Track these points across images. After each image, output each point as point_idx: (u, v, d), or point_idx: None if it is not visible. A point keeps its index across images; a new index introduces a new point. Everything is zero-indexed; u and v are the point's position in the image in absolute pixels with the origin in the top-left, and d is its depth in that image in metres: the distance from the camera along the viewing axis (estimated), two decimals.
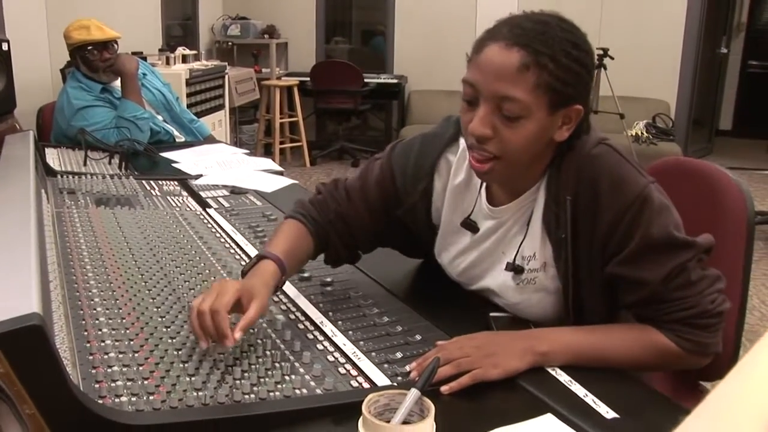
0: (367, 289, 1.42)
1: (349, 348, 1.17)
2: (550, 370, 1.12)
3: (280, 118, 6.46)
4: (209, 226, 1.82)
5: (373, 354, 1.15)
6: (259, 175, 2.44)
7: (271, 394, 1.02)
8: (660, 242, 1.13)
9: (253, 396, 1.01)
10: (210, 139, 3.28)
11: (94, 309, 1.25)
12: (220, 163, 2.60)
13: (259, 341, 1.16)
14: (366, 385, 1.06)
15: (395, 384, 1.06)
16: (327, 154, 6.88)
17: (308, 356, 1.12)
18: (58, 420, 0.85)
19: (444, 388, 1.04)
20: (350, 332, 1.23)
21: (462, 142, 1.30)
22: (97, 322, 1.20)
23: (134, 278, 1.40)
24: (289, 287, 1.39)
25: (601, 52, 5.58)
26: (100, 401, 0.95)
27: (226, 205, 2.04)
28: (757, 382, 0.35)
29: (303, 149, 6.63)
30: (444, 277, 1.44)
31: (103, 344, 1.12)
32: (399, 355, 1.15)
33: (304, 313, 1.30)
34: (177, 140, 3.09)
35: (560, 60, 1.09)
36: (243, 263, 1.54)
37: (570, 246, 1.19)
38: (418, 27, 7.00)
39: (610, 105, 5.63)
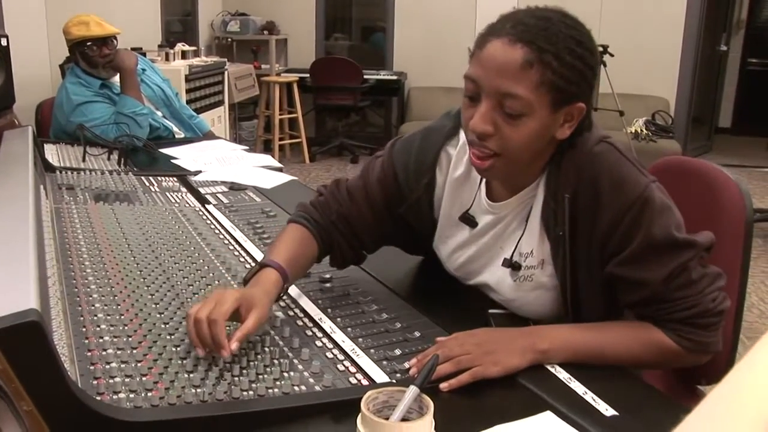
0: (366, 286, 1.42)
1: (347, 345, 1.17)
2: (549, 367, 1.12)
3: (280, 115, 6.45)
4: (208, 222, 1.81)
5: (372, 351, 1.15)
6: (259, 171, 2.44)
7: (270, 390, 1.02)
8: (661, 243, 1.12)
9: (251, 393, 1.01)
10: (209, 136, 3.28)
11: (93, 305, 1.25)
12: (220, 160, 2.60)
13: (258, 338, 1.16)
14: (365, 382, 1.06)
15: (394, 381, 1.06)
16: (326, 150, 6.88)
17: (307, 353, 1.12)
18: (55, 417, 0.85)
19: (443, 386, 1.04)
20: (349, 329, 1.22)
21: (462, 135, 1.30)
22: (95, 318, 1.20)
23: (133, 274, 1.40)
24: None
25: (601, 49, 5.56)
26: (98, 398, 0.95)
27: (225, 201, 2.04)
28: (756, 383, 0.34)
29: (302, 145, 6.62)
30: (443, 274, 1.44)
31: (101, 340, 1.12)
32: (398, 352, 1.15)
33: (302, 310, 1.29)
34: (176, 136, 3.09)
35: (564, 57, 1.08)
36: (242, 260, 1.54)
37: (568, 244, 1.18)
38: (418, 24, 7.00)
39: (610, 102, 5.63)
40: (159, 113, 3.09)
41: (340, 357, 1.13)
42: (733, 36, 7.98)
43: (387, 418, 0.86)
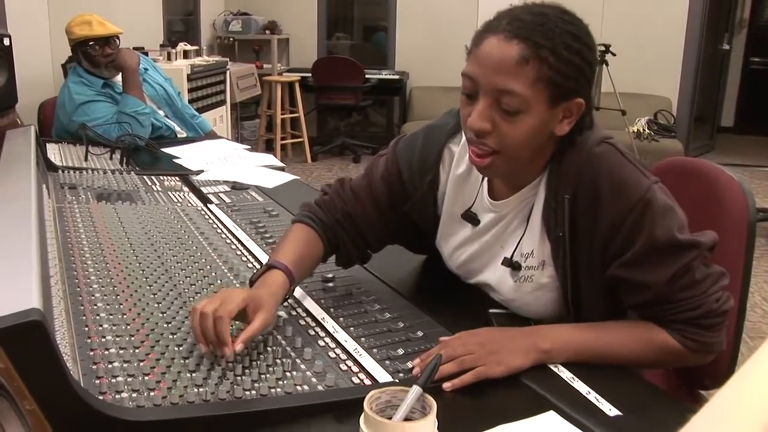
0: (369, 285, 1.42)
1: (350, 344, 1.16)
2: (552, 367, 1.12)
3: (282, 114, 6.45)
4: (210, 221, 1.81)
5: (375, 350, 1.15)
6: (261, 170, 2.43)
7: (273, 390, 1.01)
8: (664, 245, 1.11)
9: (254, 392, 1.00)
10: (211, 135, 3.28)
11: (95, 305, 1.25)
12: (222, 159, 2.60)
13: (261, 338, 1.16)
14: (367, 382, 1.06)
15: (397, 381, 1.06)
16: (328, 150, 6.88)
17: (309, 353, 1.12)
18: (58, 416, 0.84)
19: (446, 386, 1.04)
20: (352, 329, 1.22)
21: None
22: (98, 317, 1.20)
23: (135, 274, 1.40)
24: None
25: (603, 48, 5.56)
26: (101, 397, 0.95)
27: (227, 200, 2.04)
28: (760, 386, 0.34)
29: (304, 145, 6.63)
30: (445, 274, 1.44)
31: (103, 340, 1.12)
32: (401, 351, 1.15)
33: (305, 310, 1.29)
34: (178, 136, 3.09)
35: (561, 53, 1.07)
36: (244, 259, 1.54)
37: (568, 245, 1.18)
38: (420, 23, 6.99)
39: (612, 101, 5.63)
40: (161, 113, 3.09)
41: (343, 357, 1.13)
42: (736, 35, 7.96)
43: (390, 418, 0.86)
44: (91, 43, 2.88)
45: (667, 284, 1.12)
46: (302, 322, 1.24)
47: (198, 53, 5.34)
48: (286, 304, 1.30)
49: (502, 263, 1.27)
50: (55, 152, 2.58)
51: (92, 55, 2.90)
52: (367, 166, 1.44)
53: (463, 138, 1.31)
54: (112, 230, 1.66)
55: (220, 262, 1.51)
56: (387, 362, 1.11)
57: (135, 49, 3.40)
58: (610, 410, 1.00)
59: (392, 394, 0.90)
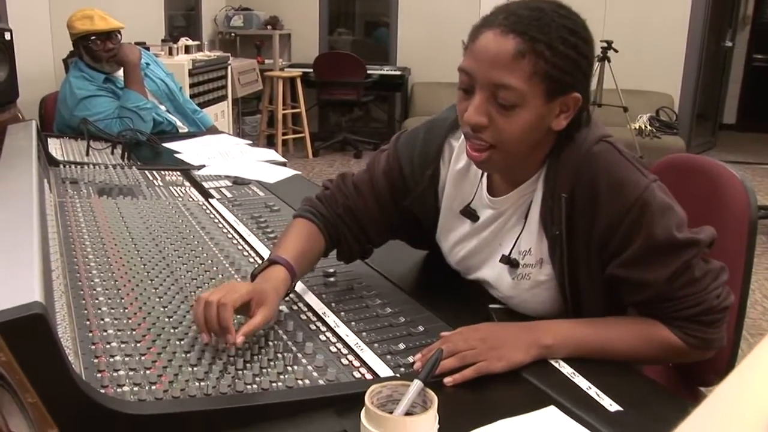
0: (370, 280, 1.42)
1: (351, 339, 1.17)
2: (553, 362, 1.12)
3: (283, 110, 6.45)
4: (212, 216, 1.81)
5: (376, 345, 1.15)
6: (262, 165, 2.43)
7: (274, 384, 1.02)
8: (663, 244, 1.11)
9: (255, 386, 1.01)
10: (213, 130, 3.28)
11: (97, 299, 1.25)
12: (223, 154, 2.60)
13: (262, 332, 1.16)
14: (369, 376, 1.06)
15: (398, 375, 1.06)
16: (330, 145, 6.88)
17: (311, 347, 1.12)
18: (60, 409, 0.85)
19: (447, 380, 1.04)
20: (353, 323, 1.22)
21: None
22: (99, 311, 1.20)
23: (137, 268, 1.40)
24: None
25: (606, 44, 5.56)
26: (103, 391, 0.95)
27: (229, 195, 2.04)
28: (759, 383, 0.34)
29: (305, 140, 6.62)
30: (446, 269, 1.44)
31: (105, 334, 1.12)
32: (402, 346, 1.15)
33: (306, 304, 1.29)
34: (180, 131, 3.08)
35: (557, 47, 1.07)
36: (245, 254, 1.54)
37: (565, 243, 1.18)
38: (422, 18, 6.98)
39: (614, 98, 5.62)
40: (162, 108, 3.09)
41: (344, 351, 1.13)
42: (739, 32, 7.94)
43: (391, 413, 0.86)
44: (92, 37, 2.88)
45: (666, 282, 1.12)
46: (303, 317, 1.25)
47: (199, 48, 5.34)
48: (287, 298, 1.30)
49: (500, 260, 1.27)
50: (56, 147, 2.58)
51: (94, 49, 2.90)
52: (369, 161, 1.44)
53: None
54: (113, 225, 1.66)
55: (221, 256, 1.51)
56: (388, 357, 1.12)
57: (136, 44, 3.40)
58: (611, 405, 1.00)
59: (393, 388, 0.90)
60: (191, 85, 4.69)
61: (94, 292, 1.28)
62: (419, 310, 1.29)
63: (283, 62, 7.04)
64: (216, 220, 1.78)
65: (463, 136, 1.30)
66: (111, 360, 1.04)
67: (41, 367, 0.83)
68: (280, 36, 6.98)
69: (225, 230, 1.70)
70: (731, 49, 7.62)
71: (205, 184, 2.15)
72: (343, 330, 1.20)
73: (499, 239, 1.29)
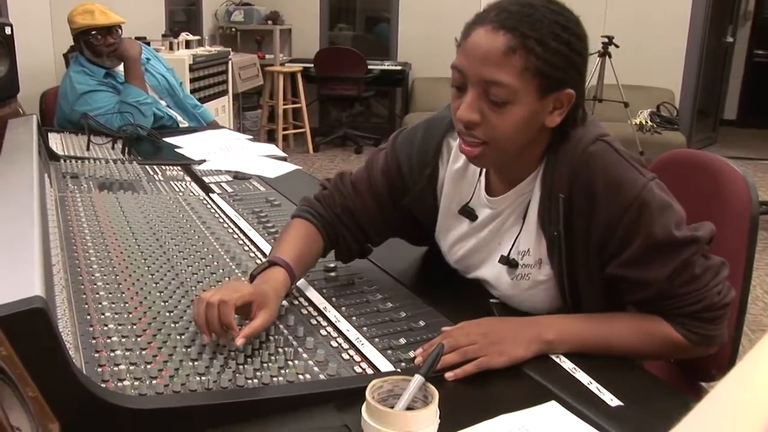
0: (371, 275, 1.42)
1: (352, 334, 1.16)
2: (554, 357, 1.12)
3: (284, 105, 6.44)
4: (212, 211, 1.81)
5: (377, 340, 1.15)
6: (263, 160, 2.43)
7: (274, 379, 1.02)
8: (662, 243, 1.11)
9: (256, 381, 1.01)
10: (213, 125, 3.27)
11: (97, 293, 1.25)
12: (224, 149, 2.60)
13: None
14: (369, 371, 1.06)
15: (399, 370, 1.06)
16: (330, 140, 6.87)
17: (312, 342, 1.12)
18: (60, 403, 0.85)
19: (448, 375, 1.04)
20: (354, 318, 1.22)
21: None
22: (100, 306, 1.20)
23: (137, 263, 1.40)
24: None
25: (606, 40, 5.55)
26: (103, 385, 0.95)
27: (230, 190, 2.04)
28: (761, 380, 0.34)
29: (306, 135, 6.62)
30: (447, 264, 1.43)
31: (106, 328, 1.12)
32: (402, 341, 1.15)
33: (307, 299, 1.29)
34: (180, 125, 3.08)
35: (548, 43, 1.07)
36: (245, 248, 1.54)
37: (564, 244, 1.17)
38: (423, 14, 6.97)
39: (615, 93, 5.61)
40: (163, 103, 3.09)
41: (345, 346, 1.13)
42: (740, 27, 7.92)
43: (392, 407, 0.86)
44: (93, 32, 2.88)
45: (666, 281, 1.12)
46: (304, 312, 1.25)
47: (200, 43, 5.33)
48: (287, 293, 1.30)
49: (499, 261, 1.27)
50: (57, 142, 2.58)
51: (94, 44, 2.90)
52: (367, 159, 1.43)
53: None
54: (114, 219, 1.66)
55: (222, 251, 1.51)
56: (389, 352, 1.12)
57: (137, 38, 3.39)
58: (612, 401, 1.00)
59: (394, 383, 0.90)
60: (192, 80, 4.68)
61: (95, 286, 1.28)
62: (420, 305, 1.29)
63: (283, 57, 7.03)
64: (216, 215, 1.78)
65: None
66: (112, 354, 1.04)
67: (42, 361, 0.83)
68: (281, 31, 6.96)
69: (225, 225, 1.70)
70: (732, 45, 7.61)
71: (206, 179, 2.15)
72: (344, 325, 1.20)
73: (498, 239, 1.29)
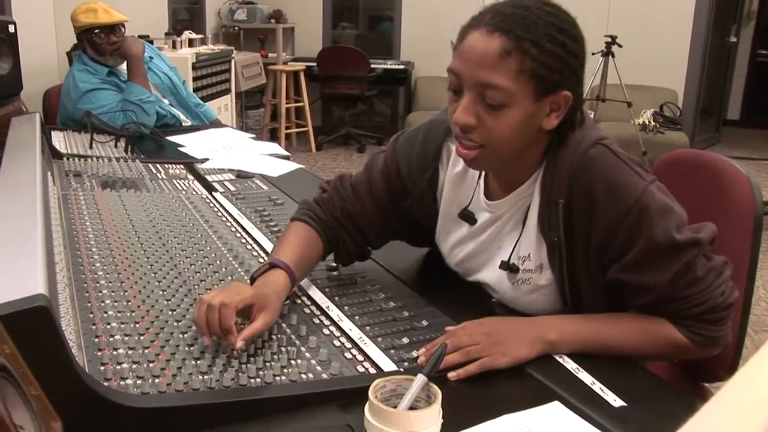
0: (374, 274, 1.42)
1: (355, 333, 1.16)
2: (557, 357, 1.12)
3: (286, 103, 6.45)
4: (215, 209, 1.81)
5: (380, 339, 1.15)
6: (265, 159, 2.43)
7: (277, 378, 1.02)
8: (663, 246, 1.10)
9: (258, 380, 1.01)
10: (216, 124, 3.27)
11: (100, 291, 1.25)
12: (226, 147, 2.60)
13: None
14: (372, 371, 1.06)
15: (402, 369, 1.06)
16: (333, 139, 6.87)
17: (314, 341, 1.12)
18: (63, 401, 0.85)
19: (451, 375, 1.04)
20: (356, 317, 1.22)
21: None
22: (102, 304, 1.20)
23: (140, 261, 1.40)
24: None
25: (609, 39, 5.54)
26: (106, 383, 0.95)
27: (232, 188, 2.04)
28: (764, 383, 0.34)
29: (309, 134, 6.62)
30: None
31: (108, 327, 1.12)
32: (405, 340, 1.15)
33: (310, 298, 1.29)
34: (183, 124, 3.08)
35: (543, 45, 1.06)
36: (249, 247, 1.54)
37: (564, 249, 1.17)
38: (425, 13, 6.96)
39: (618, 93, 5.60)
40: (166, 101, 3.09)
41: (348, 345, 1.13)
42: (744, 27, 7.91)
43: (395, 407, 0.86)
44: (96, 30, 2.88)
45: (668, 285, 1.11)
46: (307, 311, 1.24)
47: (203, 42, 5.32)
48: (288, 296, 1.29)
49: (500, 266, 1.26)
50: (60, 140, 2.58)
51: (97, 42, 2.90)
52: (367, 161, 1.43)
53: None
54: (117, 218, 1.66)
55: (224, 250, 1.51)
56: (392, 351, 1.11)
57: (140, 37, 3.39)
58: (615, 401, 1.00)
59: (397, 382, 0.90)
60: (195, 79, 4.68)
61: (98, 284, 1.28)
62: (423, 304, 1.29)
63: (286, 56, 7.03)
64: (219, 214, 1.78)
65: None
66: (114, 353, 1.04)
67: (45, 359, 0.83)
68: (284, 30, 6.97)
69: (228, 223, 1.70)
70: (736, 45, 7.60)
71: (209, 178, 2.15)
72: (346, 324, 1.19)
73: (498, 242, 1.28)
